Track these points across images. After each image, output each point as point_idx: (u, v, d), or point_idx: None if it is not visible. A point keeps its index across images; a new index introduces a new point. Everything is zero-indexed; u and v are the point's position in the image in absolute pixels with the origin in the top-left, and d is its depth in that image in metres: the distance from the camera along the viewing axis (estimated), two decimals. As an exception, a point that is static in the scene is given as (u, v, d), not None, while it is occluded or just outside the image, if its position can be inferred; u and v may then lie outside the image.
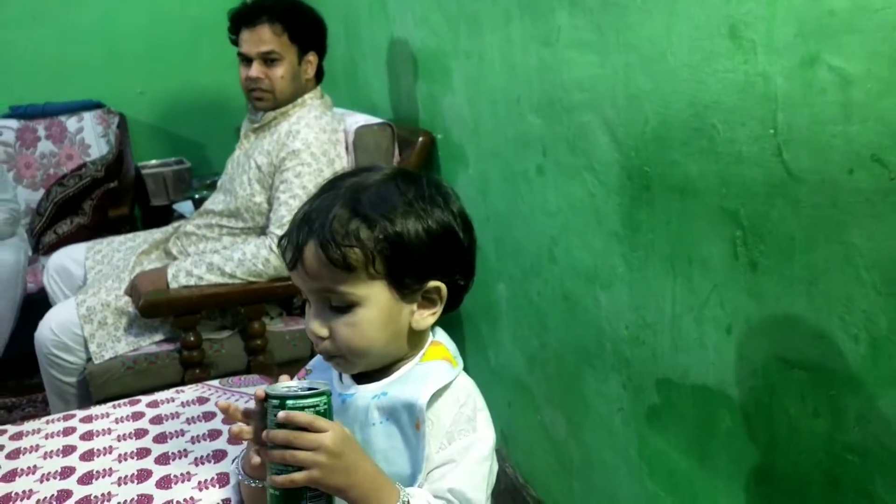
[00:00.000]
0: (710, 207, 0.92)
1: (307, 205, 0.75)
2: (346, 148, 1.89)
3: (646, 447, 1.16)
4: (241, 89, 1.91)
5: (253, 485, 0.78)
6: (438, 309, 0.76)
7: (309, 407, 0.66)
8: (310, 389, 0.68)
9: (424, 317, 0.76)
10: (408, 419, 0.73)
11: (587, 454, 1.37)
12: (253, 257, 1.73)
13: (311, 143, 1.78)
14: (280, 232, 1.72)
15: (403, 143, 1.89)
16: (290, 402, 0.66)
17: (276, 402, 0.67)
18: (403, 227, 0.71)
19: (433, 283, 0.74)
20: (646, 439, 1.16)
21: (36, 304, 2.19)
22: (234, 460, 0.78)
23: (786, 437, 0.86)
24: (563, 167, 1.25)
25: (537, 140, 1.32)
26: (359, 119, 1.94)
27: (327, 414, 0.68)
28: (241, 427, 0.72)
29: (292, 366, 1.88)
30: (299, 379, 0.81)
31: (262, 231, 1.84)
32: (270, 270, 1.72)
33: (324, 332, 0.72)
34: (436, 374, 0.75)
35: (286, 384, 0.71)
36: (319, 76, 1.95)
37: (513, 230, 1.50)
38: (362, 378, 0.77)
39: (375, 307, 0.72)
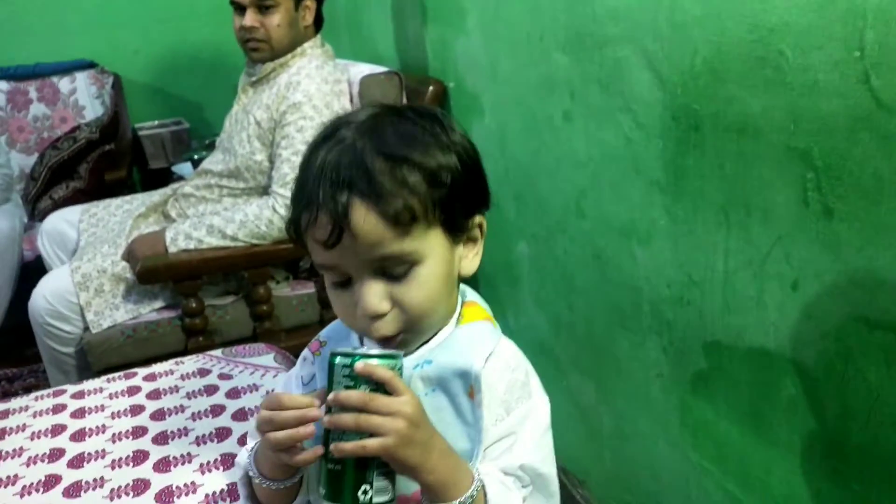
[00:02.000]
0: (775, 147, 0.80)
1: (320, 167, 0.60)
2: (351, 100, 1.77)
3: (689, 416, 1.06)
4: (237, 41, 1.78)
5: (272, 487, 0.65)
6: (480, 247, 0.68)
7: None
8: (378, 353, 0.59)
9: (470, 259, 0.67)
10: (460, 388, 0.63)
11: (620, 422, 1.27)
12: (255, 218, 1.62)
13: (313, 94, 1.66)
14: (284, 191, 1.61)
15: (412, 93, 1.76)
16: (362, 361, 0.56)
17: (346, 360, 0.56)
18: (445, 162, 0.61)
19: (477, 219, 0.66)
20: (689, 407, 1.06)
21: (33, 272, 2.10)
22: (249, 452, 0.68)
23: (865, 407, 0.75)
24: (594, 111, 1.13)
25: (564, 82, 1.19)
26: (363, 69, 1.81)
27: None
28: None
29: (300, 332, 1.79)
30: (313, 353, 0.71)
31: (264, 191, 1.73)
32: (274, 232, 1.62)
33: (386, 306, 0.60)
34: (482, 337, 0.66)
35: (349, 349, 0.60)
36: (319, 23, 1.81)
37: (535, 184, 1.38)
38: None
39: (436, 260, 0.62)
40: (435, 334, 0.66)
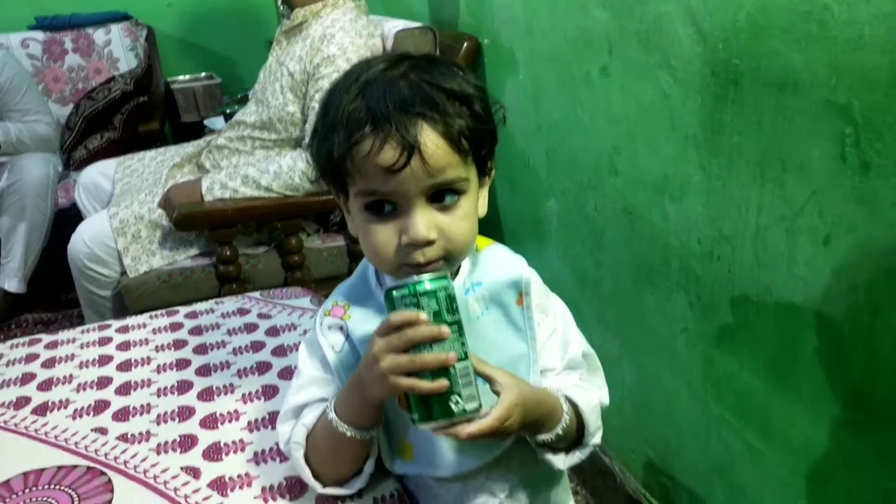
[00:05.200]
0: (815, 102, 0.81)
1: (381, 96, 0.61)
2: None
3: (713, 369, 1.09)
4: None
5: (358, 437, 0.66)
6: (486, 192, 0.71)
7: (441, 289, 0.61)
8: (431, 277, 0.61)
9: (483, 200, 0.71)
10: (511, 298, 0.70)
11: (642, 376, 1.30)
12: (289, 170, 1.65)
13: (347, 48, 1.67)
14: (317, 143, 1.63)
15: (446, 49, 1.77)
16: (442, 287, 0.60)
17: (403, 291, 0.60)
18: (480, 99, 0.65)
19: (491, 162, 0.70)
20: (713, 361, 1.08)
21: (69, 220, 2.16)
22: (305, 427, 0.70)
23: (891, 360, 0.77)
24: (632, 66, 1.13)
25: (602, 37, 1.20)
26: (397, 24, 1.81)
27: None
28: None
29: (330, 283, 1.82)
30: (341, 317, 0.72)
31: (297, 143, 1.76)
32: (307, 184, 1.64)
33: (434, 234, 0.63)
34: (509, 252, 0.74)
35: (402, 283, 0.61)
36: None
37: (568, 141, 1.39)
38: None
39: (474, 193, 0.67)
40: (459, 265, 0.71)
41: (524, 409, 0.62)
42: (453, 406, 0.59)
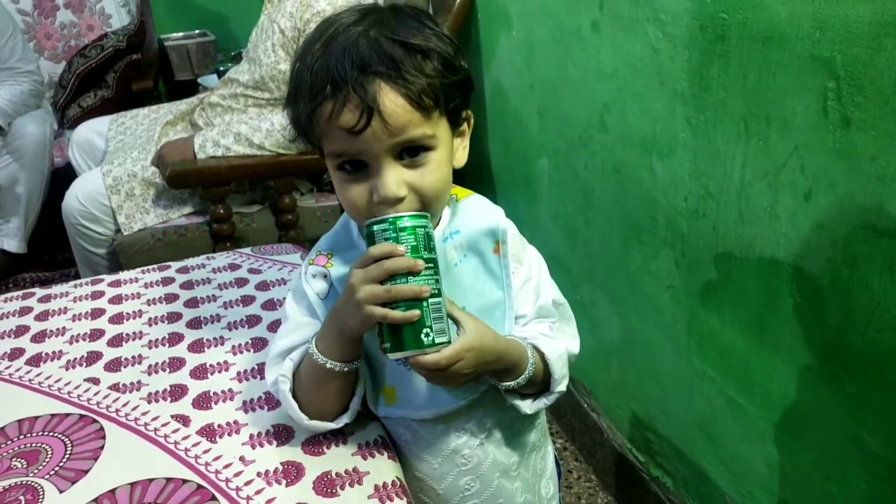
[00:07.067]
0: (799, 56, 0.80)
1: (339, 56, 0.61)
2: (379, 11, 1.76)
3: (697, 325, 1.10)
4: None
5: (336, 368, 0.68)
6: (467, 141, 0.72)
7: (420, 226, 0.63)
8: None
9: (461, 151, 0.71)
10: (488, 246, 0.71)
11: (629, 333, 1.31)
12: (282, 128, 1.64)
13: (337, 2, 1.65)
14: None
15: (438, 6, 1.75)
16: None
17: (382, 224, 0.62)
18: (448, 52, 0.64)
19: (466, 112, 0.70)
20: (697, 317, 1.09)
21: (64, 179, 2.16)
22: (300, 352, 0.72)
23: (865, 313, 0.78)
24: (622, 21, 1.12)
25: (593, -8, 1.19)
26: (392, -21, 1.79)
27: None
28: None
29: (324, 242, 1.84)
30: (324, 266, 0.73)
31: (290, 101, 1.75)
32: (300, 142, 1.64)
33: (404, 191, 0.64)
34: (487, 202, 0.75)
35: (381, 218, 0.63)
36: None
37: (560, 98, 1.38)
38: None
39: (445, 146, 0.67)
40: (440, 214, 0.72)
41: (478, 357, 0.64)
42: (424, 338, 0.61)
